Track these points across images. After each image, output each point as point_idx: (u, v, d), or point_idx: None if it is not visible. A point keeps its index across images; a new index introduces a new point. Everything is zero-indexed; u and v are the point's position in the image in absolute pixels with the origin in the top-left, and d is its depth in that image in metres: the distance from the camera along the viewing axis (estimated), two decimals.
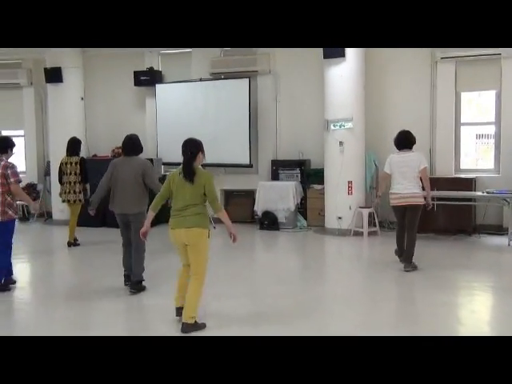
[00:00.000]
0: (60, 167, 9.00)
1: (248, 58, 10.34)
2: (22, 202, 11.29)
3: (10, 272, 6.38)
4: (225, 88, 10.38)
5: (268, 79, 10.45)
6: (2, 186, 5.97)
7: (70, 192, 8.85)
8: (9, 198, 6.00)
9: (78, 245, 8.87)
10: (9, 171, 6.00)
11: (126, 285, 6.14)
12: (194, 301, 4.71)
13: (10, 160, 6.29)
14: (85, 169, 8.85)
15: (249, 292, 6.17)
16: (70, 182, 8.85)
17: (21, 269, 7.53)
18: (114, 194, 6.12)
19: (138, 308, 5.73)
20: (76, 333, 4.66)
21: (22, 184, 11.45)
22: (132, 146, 6.19)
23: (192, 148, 4.80)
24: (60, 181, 9.03)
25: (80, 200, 8.82)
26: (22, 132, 12.06)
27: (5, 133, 12.34)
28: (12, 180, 6.00)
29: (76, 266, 8.04)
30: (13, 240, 6.26)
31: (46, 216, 11.49)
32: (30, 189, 11.52)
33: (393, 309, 5.61)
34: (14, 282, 6.39)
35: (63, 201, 9.08)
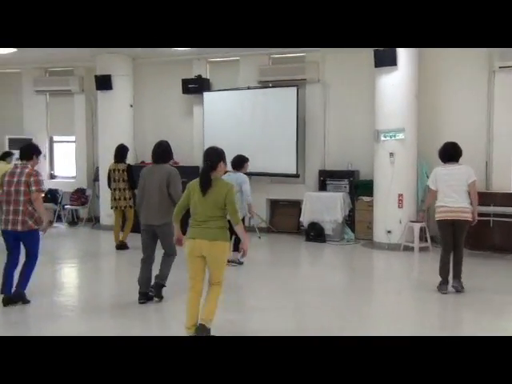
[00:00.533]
0: (108, 174, 9.11)
1: (296, 66, 10.19)
2: (73, 207, 11.56)
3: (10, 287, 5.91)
4: (272, 96, 10.25)
5: (317, 88, 10.25)
6: (24, 195, 5.68)
7: (120, 199, 8.98)
8: (30, 208, 5.70)
9: (127, 248, 9.02)
10: (32, 179, 5.69)
11: (140, 303, 5.87)
12: (214, 305, 4.68)
13: (36, 168, 5.98)
14: (132, 175, 8.91)
15: (291, 305, 6.02)
16: (119, 189, 8.98)
17: (68, 273, 7.69)
18: (140, 203, 6.00)
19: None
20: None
21: (72, 188, 11.85)
22: (160, 153, 6.02)
23: (211, 157, 4.68)
24: (109, 186, 9.14)
25: (131, 206, 8.94)
26: (73, 138, 12.25)
27: (56, 138, 12.70)
28: (34, 188, 5.68)
29: (117, 273, 8.12)
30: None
31: (94, 221, 11.63)
32: (80, 193, 11.73)
33: (437, 333, 5.21)
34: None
35: (112, 207, 9.19)
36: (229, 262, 7.55)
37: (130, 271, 7.76)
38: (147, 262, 6.00)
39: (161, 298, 5.98)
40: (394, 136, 8.84)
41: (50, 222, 6.57)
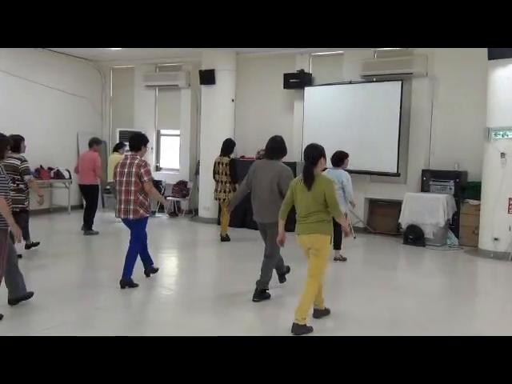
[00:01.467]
0: (214, 166, 9.30)
1: (403, 60, 9.64)
2: (174, 199, 11.90)
3: (151, 262, 6.60)
4: (375, 91, 9.81)
5: (424, 82, 9.64)
6: (135, 185, 5.94)
7: (220, 191, 9.18)
8: (141, 197, 5.96)
9: (228, 240, 9.23)
10: (142, 170, 5.93)
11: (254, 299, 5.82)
12: (307, 302, 4.81)
13: (143, 158, 6.23)
14: (234, 169, 9.06)
15: (383, 311, 5.66)
16: (221, 182, 9.17)
17: (167, 262, 7.96)
18: (253, 200, 5.92)
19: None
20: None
21: (175, 180, 12.20)
22: (274, 148, 5.86)
23: (312, 154, 4.83)
24: (214, 178, 9.36)
25: (230, 199, 9.00)
26: (178, 131, 12.61)
27: (163, 132, 13.14)
28: (146, 179, 5.95)
29: (216, 266, 8.18)
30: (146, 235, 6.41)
31: (193, 213, 11.89)
32: (181, 186, 12.05)
33: None
34: (156, 270, 6.67)
35: (215, 198, 9.41)
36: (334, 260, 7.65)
37: (231, 262, 8.12)
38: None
39: (264, 299, 5.79)
40: (507, 134, 8.05)
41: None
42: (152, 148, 12.94)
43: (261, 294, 5.78)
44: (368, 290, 6.43)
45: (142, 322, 5.28)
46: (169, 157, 13.04)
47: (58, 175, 11.69)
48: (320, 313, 5.19)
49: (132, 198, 5.94)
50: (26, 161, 7.42)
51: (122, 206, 5.99)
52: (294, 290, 5.77)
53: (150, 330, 4.91)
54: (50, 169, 11.68)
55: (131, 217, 5.98)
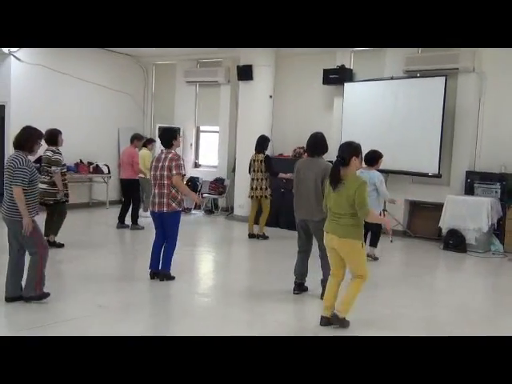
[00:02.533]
0: (250, 163, 9.15)
1: (448, 54, 9.08)
2: (211, 196, 11.79)
3: (157, 264, 6.30)
4: (417, 87, 9.31)
5: (470, 78, 9.07)
6: (167, 179, 6.00)
7: (256, 188, 9.00)
8: (173, 191, 6.01)
9: (267, 238, 9.10)
10: (173, 163, 5.98)
11: (294, 293, 5.86)
12: (351, 297, 4.72)
13: (177, 151, 6.28)
14: (270, 165, 8.93)
15: (418, 320, 5.33)
16: (257, 179, 9.00)
17: (203, 259, 7.93)
18: (296, 198, 5.81)
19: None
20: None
21: (213, 177, 12.08)
22: (315, 145, 5.73)
23: (344, 153, 4.61)
24: (250, 175, 9.20)
25: (266, 196, 8.98)
26: (217, 128, 12.48)
27: (203, 128, 13.05)
28: (174, 172, 5.97)
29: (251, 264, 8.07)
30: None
31: (229, 210, 11.73)
32: (218, 183, 11.92)
33: None
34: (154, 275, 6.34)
35: (249, 196, 9.21)
36: (368, 256, 7.37)
37: (265, 260, 8.01)
38: (302, 255, 5.90)
39: None
40: None
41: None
42: (191, 144, 12.90)
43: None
44: (395, 291, 6.06)
45: (172, 316, 5.34)
46: (208, 154, 12.95)
47: (97, 170, 11.80)
48: (327, 321, 4.84)
49: (165, 191, 6.00)
50: (59, 153, 7.46)
51: (157, 200, 6.07)
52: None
53: (181, 326, 4.89)
54: (90, 164, 11.81)
55: (164, 209, 6.02)
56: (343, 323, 4.73)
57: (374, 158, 7.40)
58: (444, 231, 8.77)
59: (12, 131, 10.35)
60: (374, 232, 7.65)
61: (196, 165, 12.97)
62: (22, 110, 10.41)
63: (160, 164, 6.06)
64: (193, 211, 11.76)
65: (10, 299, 5.11)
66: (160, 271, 6.18)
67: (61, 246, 7.66)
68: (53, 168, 7.32)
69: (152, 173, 6.17)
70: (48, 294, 5.13)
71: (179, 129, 11.71)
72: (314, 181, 5.57)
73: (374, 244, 7.69)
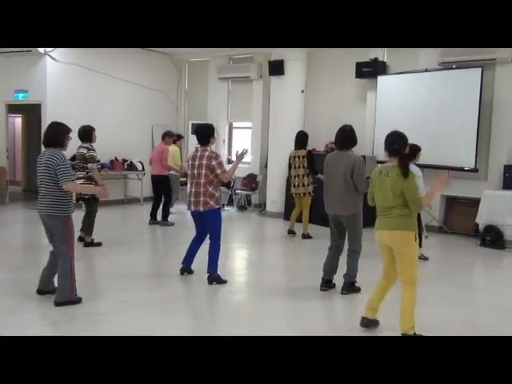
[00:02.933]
0: (289, 161, 8.98)
1: None
2: (243, 192, 11.76)
3: (190, 262, 6.26)
4: (452, 79, 9.04)
5: (508, 69, 8.74)
6: (205, 177, 5.81)
7: (299, 185, 8.81)
8: (210, 189, 5.82)
9: (311, 237, 8.87)
10: (214, 162, 5.79)
11: (321, 289, 5.78)
12: (408, 311, 4.36)
13: (213, 148, 6.15)
14: (312, 161, 8.75)
15: (458, 319, 5.16)
16: (298, 176, 8.81)
17: (234, 256, 7.86)
18: (326, 193, 5.75)
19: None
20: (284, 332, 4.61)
21: (245, 174, 12.06)
22: (345, 138, 5.65)
23: (399, 142, 4.40)
24: (290, 173, 9.06)
25: (309, 193, 8.80)
26: (249, 124, 12.44)
27: (236, 124, 13.04)
28: (219, 171, 5.80)
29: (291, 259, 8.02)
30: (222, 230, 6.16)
31: (262, 207, 11.69)
32: (251, 179, 11.89)
33: None
34: (190, 272, 6.28)
35: (292, 194, 9.04)
36: None
37: (298, 257, 8.01)
38: (333, 251, 5.81)
39: (353, 291, 5.70)
40: None
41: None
42: (224, 141, 12.91)
43: (349, 287, 5.68)
44: (429, 289, 5.89)
45: (198, 313, 5.33)
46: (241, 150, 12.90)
47: (131, 167, 11.95)
48: (370, 322, 4.69)
49: (202, 190, 5.83)
50: (93, 149, 7.52)
51: (193, 199, 5.92)
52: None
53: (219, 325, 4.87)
54: (124, 161, 11.97)
55: (201, 209, 5.86)
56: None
57: (412, 152, 7.21)
58: (481, 227, 8.49)
59: None
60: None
61: (229, 161, 12.96)
62: (57, 108, 10.60)
63: (196, 162, 5.87)
64: (225, 207, 11.77)
65: (41, 292, 5.22)
66: (208, 275, 5.97)
67: (99, 244, 7.67)
68: (89, 165, 7.41)
69: (189, 171, 6.02)
70: (80, 300, 5.12)
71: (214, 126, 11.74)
72: (344, 174, 5.50)
73: (418, 244, 7.42)
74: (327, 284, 5.80)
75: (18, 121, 14.56)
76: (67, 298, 5.01)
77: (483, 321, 5.18)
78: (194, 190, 5.89)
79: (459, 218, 9.45)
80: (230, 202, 12.01)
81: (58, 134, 5.07)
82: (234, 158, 13.00)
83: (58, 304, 4.97)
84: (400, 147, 4.38)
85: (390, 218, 4.36)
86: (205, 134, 6.01)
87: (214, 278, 5.95)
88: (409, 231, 4.32)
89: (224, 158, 12.84)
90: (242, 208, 11.89)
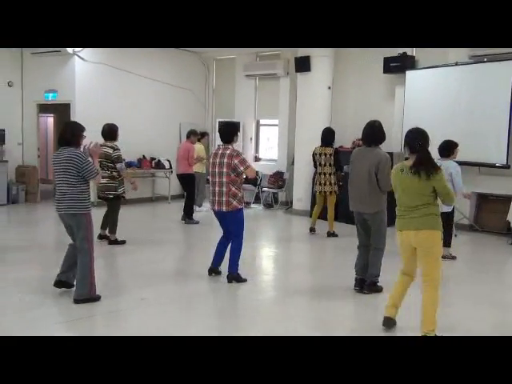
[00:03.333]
0: (313, 157, 8.86)
1: None
2: (270, 190, 11.70)
3: (219, 263, 6.15)
4: (483, 73, 8.79)
5: None
6: (227, 176, 5.68)
7: (325, 184, 8.70)
8: (233, 188, 5.70)
9: (336, 235, 8.78)
10: (236, 160, 5.65)
11: (355, 289, 5.68)
12: (430, 312, 4.22)
13: (235, 147, 5.93)
14: (338, 159, 8.66)
15: (491, 318, 5.04)
16: (324, 173, 8.69)
17: (259, 254, 7.83)
18: (350, 189, 5.66)
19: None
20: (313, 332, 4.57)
21: (273, 171, 11.99)
22: (373, 134, 5.51)
23: (422, 139, 4.31)
24: (316, 170, 8.97)
25: (335, 191, 8.71)
26: (276, 121, 12.37)
27: (263, 122, 12.98)
28: (242, 169, 5.67)
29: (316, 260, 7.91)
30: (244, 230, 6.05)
31: (289, 204, 11.61)
32: (277, 176, 11.82)
33: None
34: (218, 273, 6.16)
35: (316, 191, 8.94)
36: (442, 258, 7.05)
37: (323, 255, 7.94)
38: (362, 250, 5.71)
39: (375, 291, 5.60)
40: None
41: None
42: (251, 138, 12.87)
43: (371, 287, 5.59)
44: (459, 288, 5.73)
45: (219, 313, 5.28)
46: (268, 147, 12.88)
47: (159, 165, 12.02)
48: (391, 322, 4.57)
49: (224, 189, 5.70)
50: (119, 149, 7.54)
51: (216, 198, 5.79)
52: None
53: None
54: (152, 159, 12.05)
55: (224, 209, 5.75)
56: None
57: (449, 148, 7.05)
58: None
59: None
60: (445, 228, 7.25)
61: (256, 158, 12.93)
62: (86, 108, 10.75)
63: (218, 160, 5.73)
64: (252, 205, 11.73)
65: (59, 283, 5.25)
66: (228, 274, 5.91)
67: (123, 242, 7.68)
68: (118, 165, 7.46)
69: (210, 170, 5.88)
70: (99, 297, 5.13)
71: (239, 123, 11.75)
72: (368, 171, 5.39)
73: (447, 244, 7.09)
74: (360, 283, 5.66)
75: (50, 120, 14.84)
76: (87, 295, 5.03)
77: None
78: (217, 189, 5.77)
79: (490, 215, 9.19)
80: (257, 200, 11.97)
81: (74, 133, 5.09)
82: (261, 156, 13.00)
83: (77, 301, 5.00)
84: (423, 144, 4.27)
85: (415, 217, 4.23)
86: (228, 131, 5.88)
87: (234, 277, 5.89)
88: (435, 230, 4.22)
89: (251, 155, 12.83)
90: (268, 206, 11.84)
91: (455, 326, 4.74)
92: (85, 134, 5.19)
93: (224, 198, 5.72)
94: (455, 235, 8.57)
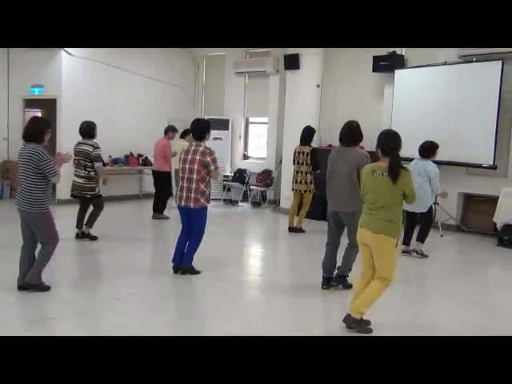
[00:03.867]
0: (294, 155, 8.86)
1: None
2: (258, 188, 11.62)
3: (180, 257, 6.09)
4: (471, 73, 8.76)
5: None
6: (197, 173, 5.74)
7: (301, 182, 8.71)
8: (202, 186, 5.76)
9: (304, 231, 8.82)
10: (208, 158, 5.71)
11: (323, 288, 5.65)
12: (368, 299, 4.39)
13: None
14: (315, 159, 8.61)
15: (475, 318, 5.00)
16: (301, 172, 8.70)
17: (235, 252, 7.73)
18: (329, 189, 5.62)
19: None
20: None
21: (261, 169, 11.93)
22: (351, 134, 5.49)
23: (395, 142, 4.28)
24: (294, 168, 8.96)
25: (311, 190, 8.70)
26: (266, 119, 12.30)
27: (252, 120, 12.91)
28: (212, 167, 5.75)
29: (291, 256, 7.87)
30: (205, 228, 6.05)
31: (277, 203, 11.55)
32: (266, 175, 11.75)
33: None
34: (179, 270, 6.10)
35: (292, 189, 8.97)
36: (413, 252, 7.30)
37: (302, 254, 7.76)
38: (330, 248, 5.70)
39: (348, 287, 5.60)
40: None
41: None
42: (240, 136, 12.80)
43: (339, 280, 5.65)
44: (443, 288, 5.69)
45: (188, 311, 5.12)
46: (257, 145, 12.81)
47: (146, 162, 11.92)
48: (354, 321, 4.47)
49: (193, 186, 5.76)
50: (99, 148, 7.40)
51: (184, 194, 5.84)
52: None
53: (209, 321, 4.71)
54: (140, 156, 11.95)
55: (192, 205, 5.80)
56: (359, 324, 4.38)
57: (430, 149, 7.04)
58: (499, 226, 8.21)
59: (63, 124, 10.63)
60: (422, 226, 7.27)
61: (245, 156, 12.85)
62: (73, 103, 10.65)
63: (189, 157, 5.78)
64: (240, 203, 11.66)
65: (21, 288, 5.14)
66: (181, 265, 5.97)
67: (94, 238, 7.55)
68: (96, 165, 7.34)
69: (181, 165, 5.90)
70: (49, 288, 5.12)
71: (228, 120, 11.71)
72: (349, 170, 5.34)
73: (420, 239, 7.27)
74: (328, 282, 5.66)
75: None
76: (38, 281, 5.07)
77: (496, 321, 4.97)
78: (185, 185, 5.81)
79: (477, 216, 9.16)
80: (245, 198, 11.90)
81: (38, 129, 5.01)
82: (250, 154, 12.92)
83: (27, 285, 5.04)
84: (395, 147, 4.26)
85: (378, 219, 4.29)
86: (201, 129, 5.93)
87: (188, 269, 5.96)
88: (392, 237, 4.27)
89: (240, 153, 12.76)
90: (256, 204, 11.77)
91: (438, 324, 4.70)
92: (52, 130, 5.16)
93: (192, 195, 5.78)
94: (441, 235, 8.58)
